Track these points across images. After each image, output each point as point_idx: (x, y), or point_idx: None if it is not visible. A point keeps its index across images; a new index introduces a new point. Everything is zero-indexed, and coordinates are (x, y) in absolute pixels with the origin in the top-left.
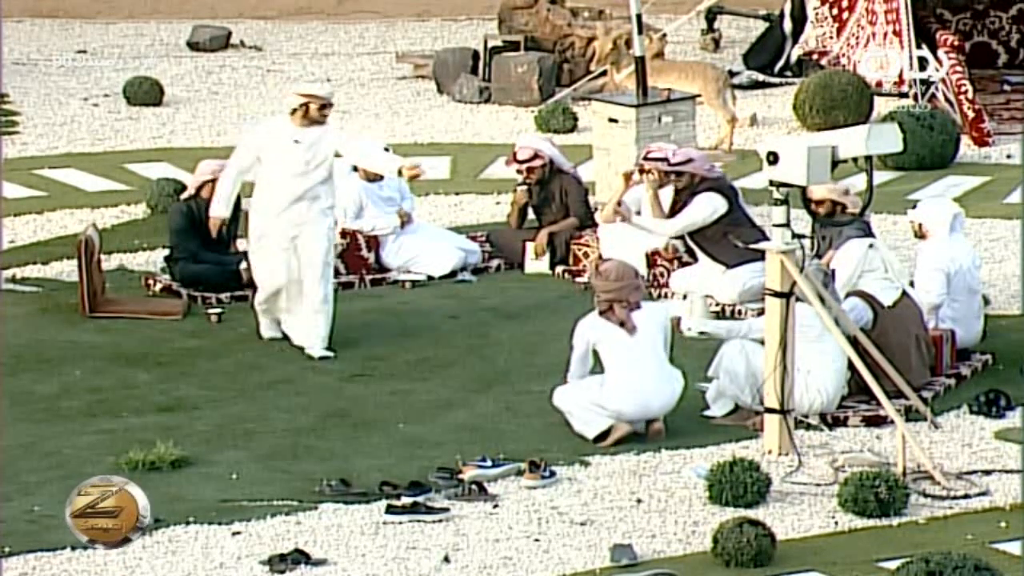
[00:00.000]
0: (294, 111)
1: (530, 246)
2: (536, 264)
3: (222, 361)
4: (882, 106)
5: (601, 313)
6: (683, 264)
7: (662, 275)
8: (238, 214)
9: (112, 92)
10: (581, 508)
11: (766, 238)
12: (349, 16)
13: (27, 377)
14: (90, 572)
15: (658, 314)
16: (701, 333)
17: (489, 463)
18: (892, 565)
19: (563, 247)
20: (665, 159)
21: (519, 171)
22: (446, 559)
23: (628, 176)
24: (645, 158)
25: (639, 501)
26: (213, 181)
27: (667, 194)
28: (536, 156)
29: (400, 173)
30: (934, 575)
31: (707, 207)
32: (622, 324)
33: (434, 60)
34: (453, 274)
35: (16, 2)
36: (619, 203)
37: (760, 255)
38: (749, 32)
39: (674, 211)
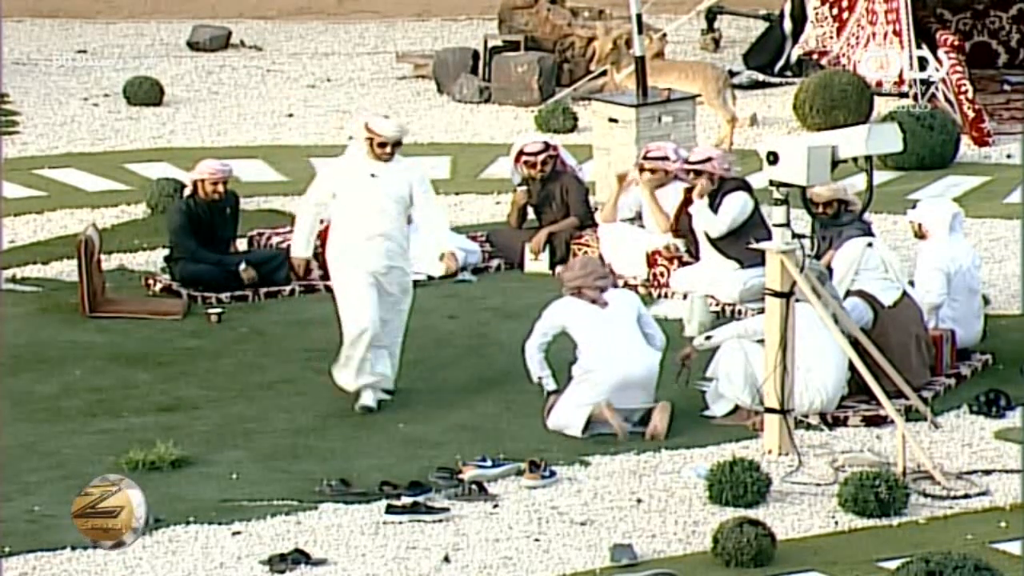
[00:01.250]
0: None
1: (528, 246)
2: (535, 264)
3: (222, 361)
4: (882, 106)
5: (572, 296)
6: (683, 264)
7: (662, 275)
8: (238, 215)
9: (112, 92)
10: (581, 508)
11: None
12: (349, 16)
13: (27, 377)
14: (90, 572)
15: (627, 296)
16: (707, 338)
17: (489, 463)
18: (892, 565)
19: (563, 247)
20: (665, 158)
21: (530, 164)
22: (446, 559)
23: (622, 177)
24: (645, 157)
25: (639, 501)
26: (204, 181)
27: (666, 195)
28: (546, 147)
29: (441, 258)
30: (934, 575)
31: (741, 204)
32: (593, 301)
33: (434, 60)
34: (453, 274)
35: (16, 2)
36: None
37: None
38: (749, 32)
39: (680, 211)
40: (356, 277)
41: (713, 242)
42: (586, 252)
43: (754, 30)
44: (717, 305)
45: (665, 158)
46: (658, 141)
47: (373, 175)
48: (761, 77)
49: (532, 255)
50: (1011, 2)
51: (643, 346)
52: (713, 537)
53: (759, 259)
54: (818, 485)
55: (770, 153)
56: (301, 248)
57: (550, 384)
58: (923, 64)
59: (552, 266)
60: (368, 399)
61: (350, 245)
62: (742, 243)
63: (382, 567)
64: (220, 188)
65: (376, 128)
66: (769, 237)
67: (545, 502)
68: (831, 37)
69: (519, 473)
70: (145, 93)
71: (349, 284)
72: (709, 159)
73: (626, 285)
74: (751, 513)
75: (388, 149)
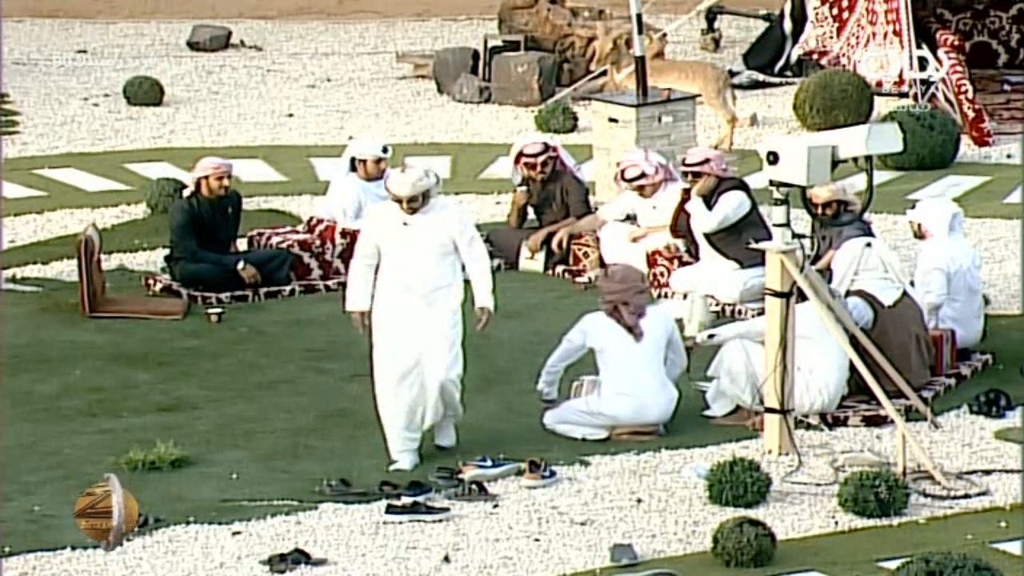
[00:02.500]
0: None
1: (526, 243)
2: (531, 263)
3: (222, 361)
4: (882, 106)
5: (609, 314)
6: (683, 264)
7: (662, 275)
8: (239, 214)
9: (112, 92)
10: (581, 508)
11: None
12: (349, 16)
13: (27, 377)
14: (90, 572)
15: (663, 319)
16: (710, 336)
17: (489, 463)
18: (892, 565)
19: (563, 247)
20: (643, 174)
21: (529, 165)
22: (446, 559)
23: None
24: (623, 179)
25: (639, 501)
26: (208, 177)
27: (664, 199)
28: (546, 149)
29: (479, 311)
30: (934, 575)
31: (736, 203)
32: (630, 329)
33: (434, 60)
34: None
35: (16, 2)
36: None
37: None
38: (749, 32)
39: (679, 211)
40: (392, 328)
41: (713, 242)
42: (586, 253)
43: (754, 30)
44: (717, 305)
45: (643, 175)
46: (630, 156)
47: (405, 224)
48: (761, 77)
49: (529, 253)
50: (1011, 2)
51: (665, 388)
52: (713, 537)
53: (759, 259)
54: (818, 485)
55: (770, 153)
56: (358, 301)
57: (551, 395)
58: (923, 64)
59: (547, 267)
60: (404, 463)
61: (390, 295)
62: (741, 243)
63: (382, 567)
64: (225, 182)
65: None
66: (769, 237)
67: (545, 502)
68: (831, 37)
69: (519, 473)
70: (145, 93)
71: (385, 335)
72: (707, 160)
73: None
74: (751, 513)
75: (405, 206)
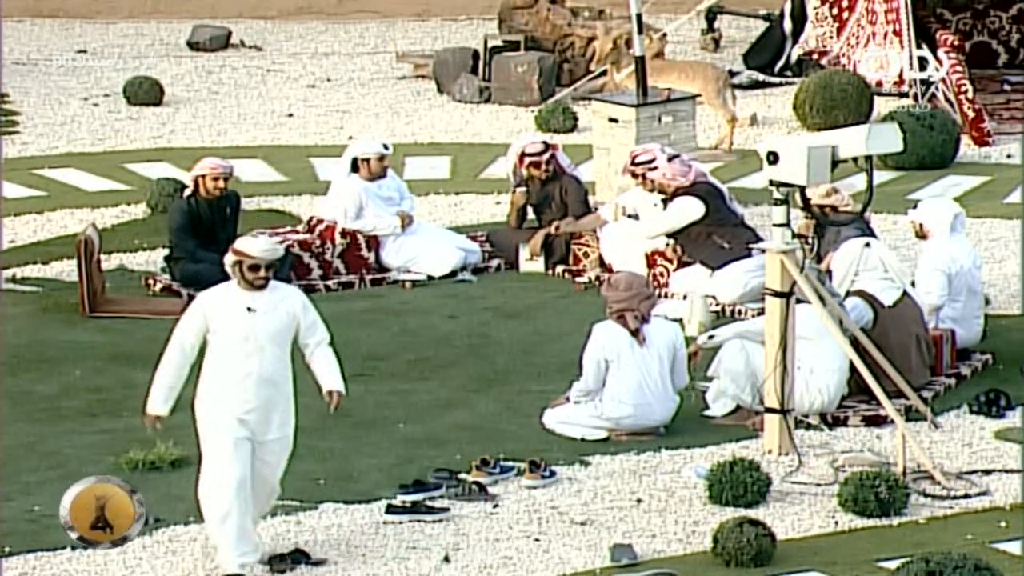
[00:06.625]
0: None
1: (524, 247)
2: (531, 264)
3: None
4: (882, 106)
5: (615, 322)
6: (683, 264)
7: (662, 275)
8: (238, 215)
9: (112, 92)
10: (581, 508)
11: (757, 237)
12: (349, 16)
13: (27, 377)
14: (90, 572)
15: (669, 331)
16: (710, 337)
17: (498, 470)
18: (892, 565)
19: (563, 247)
20: (654, 159)
21: (535, 164)
22: (446, 559)
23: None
24: (633, 163)
25: (639, 501)
26: (204, 176)
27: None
28: (547, 147)
29: (330, 395)
30: (934, 575)
31: (680, 212)
32: (634, 333)
33: (434, 60)
34: (453, 274)
35: (16, 2)
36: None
37: (742, 254)
38: (749, 32)
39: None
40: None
41: (681, 245)
42: (586, 253)
43: (754, 30)
44: (717, 305)
45: (653, 159)
46: (644, 144)
47: (250, 308)
48: (761, 77)
49: (529, 255)
50: (1011, 2)
51: (667, 396)
52: (713, 537)
53: (727, 259)
54: (818, 485)
55: (770, 153)
56: (159, 403)
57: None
58: (923, 64)
59: (547, 267)
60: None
61: (220, 390)
62: (704, 246)
63: (382, 567)
64: (221, 184)
65: (244, 248)
66: (754, 236)
67: (545, 502)
68: (831, 37)
69: (519, 473)
70: (145, 93)
71: (214, 437)
72: (653, 159)
73: None
74: (751, 513)
75: (261, 273)
